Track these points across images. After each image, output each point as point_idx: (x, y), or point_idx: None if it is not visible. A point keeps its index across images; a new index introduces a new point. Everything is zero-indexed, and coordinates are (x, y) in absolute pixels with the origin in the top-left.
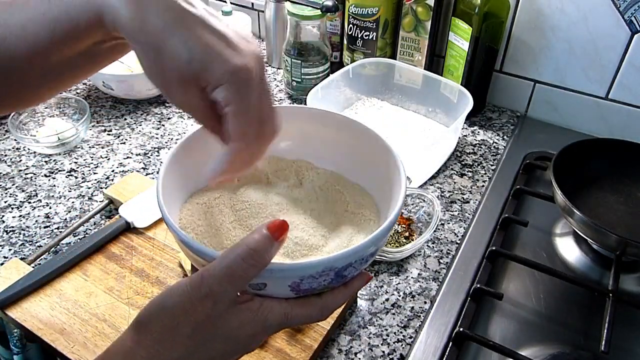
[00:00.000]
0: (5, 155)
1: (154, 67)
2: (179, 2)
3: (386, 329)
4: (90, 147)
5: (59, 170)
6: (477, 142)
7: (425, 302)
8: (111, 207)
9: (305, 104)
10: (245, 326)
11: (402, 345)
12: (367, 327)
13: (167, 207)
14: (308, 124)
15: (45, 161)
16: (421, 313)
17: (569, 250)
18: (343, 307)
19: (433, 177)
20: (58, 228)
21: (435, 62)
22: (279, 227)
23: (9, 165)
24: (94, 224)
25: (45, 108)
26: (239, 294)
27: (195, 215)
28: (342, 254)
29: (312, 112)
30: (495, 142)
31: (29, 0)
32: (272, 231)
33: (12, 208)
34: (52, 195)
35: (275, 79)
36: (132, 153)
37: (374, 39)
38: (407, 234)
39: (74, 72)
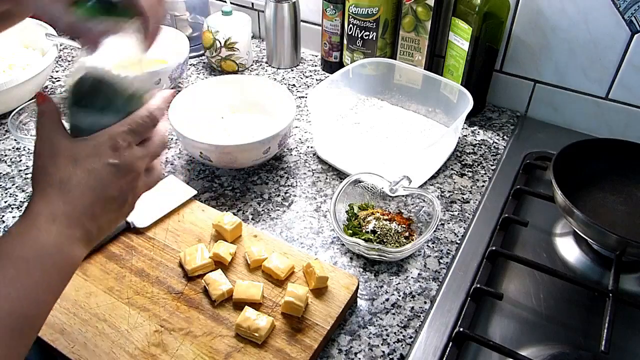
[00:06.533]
0: (5, 155)
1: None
2: None
3: (386, 329)
4: None
5: None
6: (477, 142)
7: (425, 302)
8: None
9: None
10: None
11: (402, 345)
12: (367, 327)
13: None
14: None
15: None
16: (421, 313)
17: (569, 250)
18: (343, 307)
19: (433, 177)
20: None
21: (435, 62)
22: None
23: (9, 165)
24: None
25: None
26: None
27: None
28: None
29: None
30: (495, 142)
31: None
32: None
33: (12, 208)
34: None
35: (275, 78)
36: None
37: (374, 39)
38: (407, 234)
39: None
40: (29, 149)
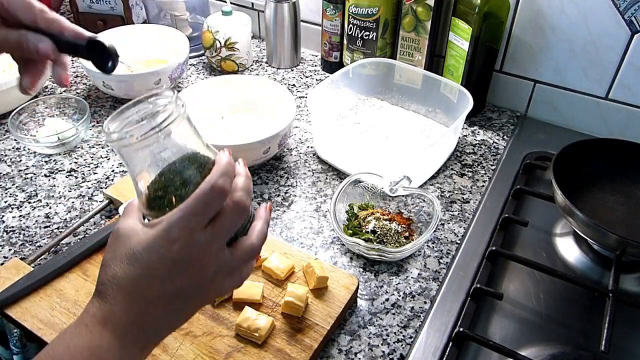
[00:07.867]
0: (5, 155)
1: None
2: None
3: (386, 329)
4: (90, 147)
5: (59, 170)
6: (477, 142)
7: (425, 302)
8: (111, 207)
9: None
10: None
11: (402, 345)
12: (367, 327)
13: None
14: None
15: (45, 161)
16: (421, 313)
17: (569, 250)
18: (343, 307)
19: (433, 177)
20: (58, 228)
21: (435, 62)
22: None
23: (9, 165)
24: (94, 224)
25: (45, 108)
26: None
27: None
28: None
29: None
30: (495, 142)
31: None
32: None
33: (12, 208)
34: (52, 195)
35: (275, 78)
36: None
37: (374, 39)
38: (407, 234)
39: None
40: (29, 149)
